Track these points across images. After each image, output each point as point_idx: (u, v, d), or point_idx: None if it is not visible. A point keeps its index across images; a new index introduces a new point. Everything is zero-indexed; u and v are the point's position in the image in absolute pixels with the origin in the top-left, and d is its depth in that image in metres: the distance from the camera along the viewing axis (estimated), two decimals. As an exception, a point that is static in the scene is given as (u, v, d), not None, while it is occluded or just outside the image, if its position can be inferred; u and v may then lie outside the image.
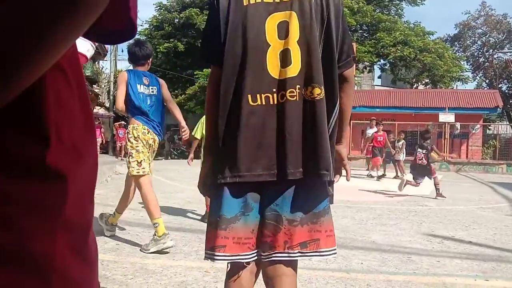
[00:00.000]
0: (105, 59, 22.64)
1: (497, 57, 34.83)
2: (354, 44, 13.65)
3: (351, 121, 20.39)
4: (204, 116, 5.56)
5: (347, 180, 1.66)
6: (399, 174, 11.98)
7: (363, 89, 27.42)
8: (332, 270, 3.07)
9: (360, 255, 3.49)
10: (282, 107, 1.37)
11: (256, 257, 1.43)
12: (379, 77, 38.48)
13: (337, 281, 2.84)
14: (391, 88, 27.36)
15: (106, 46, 19.61)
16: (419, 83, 27.94)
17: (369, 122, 14.16)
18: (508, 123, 32.32)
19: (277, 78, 1.38)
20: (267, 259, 1.42)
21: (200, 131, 5.20)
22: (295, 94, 1.37)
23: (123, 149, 19.85)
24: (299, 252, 1.39)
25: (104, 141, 19.30)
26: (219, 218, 1.39)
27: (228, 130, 1.40)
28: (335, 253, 1.45)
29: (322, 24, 1.41)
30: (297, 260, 1.44)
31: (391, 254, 3.55)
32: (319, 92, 1.38)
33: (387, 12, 24.14)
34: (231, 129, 1.39)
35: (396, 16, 24.02)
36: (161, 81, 3.75)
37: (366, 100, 22.41)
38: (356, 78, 23.72)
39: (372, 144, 13.30)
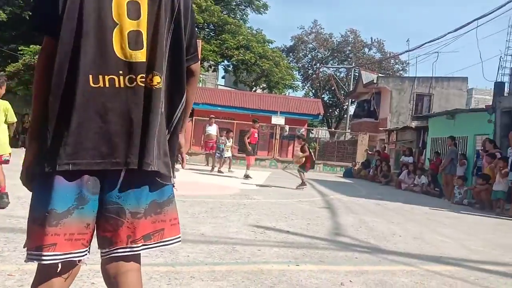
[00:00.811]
0: None
1: (322, 70, 39.96)
2: (200, 41, 14.04)
3: (194, 117, 20.63)
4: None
5: (182, 167, 1.68)
6: (220, 168, 13.07)
7: (207, 87, 28.02)
8: (157, 264, 3.00)
9: (188, 248, 3.50)
10: (129, 91, 1.29)
11: (87, 254, 1.31)
12: (223, 77, 39.99)
13: (161, 275, 2.77)
14: (233, 89, 28.70)
15: None
16: (258, 87, 30.02)
17: (208, 119, 14.60)
18: (327, 128, 37.43)
19: (126, 60, 1.29)
20: (107, 256, 1.32)
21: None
22: (144, 80, 1.31)
23: None
24: (143, 245, 1.33)
25: None
26: (48, 213, 1.22)
27: (62, 112, 1.23)
28: (179, 241, 1.42)
29: (172, 13, 1.37)
30: (140, 253, 1.36)
31: (218, 246, 3.67)
32: (159, 80, 1.33)
33: (233, 16, 25.23)
34: (65, 110, 1.23)
35: (241, 21, 25.28)
36: None
37: (209, 98, 22.98)
38: (201, 76, 24.15)
39: (209, 140, 13.82)
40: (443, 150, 13.25)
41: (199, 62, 1.59)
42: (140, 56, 1.31)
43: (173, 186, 1.46)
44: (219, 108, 21.99)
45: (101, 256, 1.36)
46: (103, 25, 1.27)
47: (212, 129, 14.09)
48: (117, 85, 1.28)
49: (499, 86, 11.55)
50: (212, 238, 3.95)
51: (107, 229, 1.32)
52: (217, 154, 13.27)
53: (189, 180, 10.26)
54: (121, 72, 1.29)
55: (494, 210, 8.79)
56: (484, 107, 12.83)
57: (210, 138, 14.26)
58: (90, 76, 1.25)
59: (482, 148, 10.55)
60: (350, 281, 3.00)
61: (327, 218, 5.93)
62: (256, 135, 12.84)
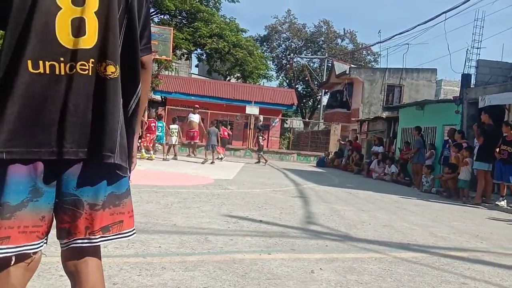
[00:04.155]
0: None
1: (296, 61, 40.09)
2: (172, 29, 14.15)
3: (166, 107, 20.36)
4: None
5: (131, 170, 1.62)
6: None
7: (180, 76, 27.66)
8: (127, 256, 2.96)
9: (160, 239, 3.48)
10: (70, 79, 1.25)
11: (43, 246, 1.29)
12: (196, 66, 39.54)
13: (131, 266, 2.74)
14: (207, 78, 28.46)
15: None
16: (232, 76, 29.88)
17: (192, 109, 14.89)
18: (301, 119, 37.71)
19: (68, 47, 1.25)
20: (66, 247, 1.32)
21: None
22: (87, 68, 1.27)
23: None
24: (101, 236, 1.33)
25: None
26: (1, 206, 1.19)
27: (2, 98, 1.19)
28: (135, 233, 1.44)
29: (126, 1, 1.34)
30: (99, 245, 1.37)
31: (190, 236, 3.66)
32: (113, 70, 1.30)
33: (206, 3, 24.85)
34: (4, 97, 1.19)
35: (213, 9, 24.94)
36: None
37: (183, 87, 22.74)
38: (174, 64, 23.78)
39: (191, 129, 14.37)
40: (413, 140, 13.59)
41: (152, 54, 1.57)
42: (82, 43, 1.27)
43: (129, 178, 1.45)
44: (192, 98, 21.80)
45: (61, 247, 1.36)
46: (47, 9, 1.23)
47: (195, 118, 14.09)
48: (57, 72, 1.24)
49: (466, 78, 11.91)
50: (185, 229, 3.93)
51: (65, 221, 1.30)
52: (209, 146, 13.57)
53: (162, 170, 10.15)
54: (62, 59, 1.25)
55: (460, 198, 9.12)
56: (452, 98, 13.21)
57: (192, 127, 14.22)
58: (29, 61, 1.21)
59: (448, 137, 10.89)
60: (321, 268, 3.05)
61: (300, 207, 6.00)
62: (225, 133, 15.44)
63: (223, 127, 16.17)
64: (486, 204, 8.29)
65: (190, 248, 3.29)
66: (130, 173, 1.46)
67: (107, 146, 1.28)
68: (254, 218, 4.75)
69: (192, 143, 14.96)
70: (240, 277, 2.70)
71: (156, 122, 13.25)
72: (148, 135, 12.91)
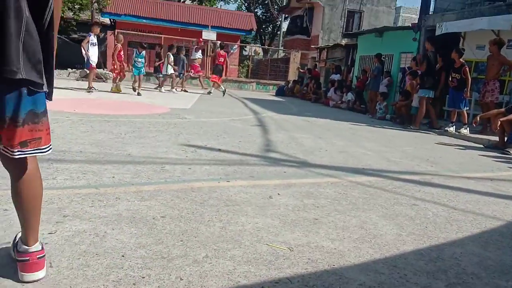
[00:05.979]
0: None
1: (256, -18, 38.03)
2: None
3: (116, 31, 19.06)
4: None
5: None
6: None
7: (130, -3, 25.64)
8: (79, 187, 2.82)
9: (113, 169, 3.33)
10: None
11: None
12: (148, -13, 36.68)
13: (83, 198, 2.62)
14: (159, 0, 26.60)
15: None
16: (187, -2, 28.10)
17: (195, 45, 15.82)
18: (260, 45, 36.80)
19: None
20: None
21: None
22: None
23: None
24: (19, 151, 1.42)
25: None
26: None
27: None
28: (51, 148, 1.54)
29: None
30: (24, 159, 1.47)
31: (146, 166, 3.54)
32: None
33: None
34: None
35: None
36: None
37: (133, 9, 21.19)
38: (122, -16, 21.87)
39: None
40: (370, 68, 13.68)
41: None
42: None
43: (47, 96, 1.49)
44: (144, 21, 20.48)
45: None
46: None
47: (199, 54, 15.36)
48: None
49: (425, 4, 11.79)
50: (140, 158, 3.79)
51: None
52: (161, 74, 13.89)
53: (113, 100, 9.72)
54: None
55: (413, 125, 9.46)
56: (410, 25, 13.18)
57: (194, 62, 15.29)
58: None
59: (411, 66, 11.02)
60: (278, 194, 3.07)
61: (259, 135, 5.97)
62: (221, 59, 14.34)
63: (219, 50, 14.55)
64: (436, 130, 8.67)
65: (146, 178, 3.19)
66: (51, 88, 1.48)
67: (9, 61, 1.26)
68: (213, 147, 4.67)
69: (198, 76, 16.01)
70: (198, 205, 2.66)
71: (134, 53, 12.18)
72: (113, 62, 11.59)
